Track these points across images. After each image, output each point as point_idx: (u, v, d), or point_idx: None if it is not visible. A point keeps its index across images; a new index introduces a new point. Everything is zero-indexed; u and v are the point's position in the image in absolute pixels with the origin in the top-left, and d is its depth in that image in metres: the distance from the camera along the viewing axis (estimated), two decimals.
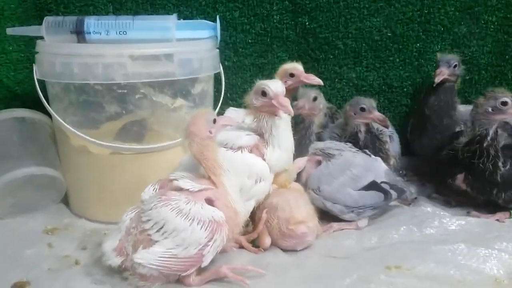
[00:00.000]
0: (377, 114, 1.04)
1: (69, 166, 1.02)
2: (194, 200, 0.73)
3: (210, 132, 0.77)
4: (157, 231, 0.72)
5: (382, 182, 0.94)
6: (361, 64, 1.24)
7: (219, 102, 1.09)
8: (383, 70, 1.24)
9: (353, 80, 1.25)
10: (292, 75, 1.04)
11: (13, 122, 1.05)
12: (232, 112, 1.12)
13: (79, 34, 1.00)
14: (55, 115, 0.96)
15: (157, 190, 0.79)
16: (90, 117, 0.97)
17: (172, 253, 0.71)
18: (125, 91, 0.94)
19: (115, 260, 0.74)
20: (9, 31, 1.04)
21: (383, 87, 1.25)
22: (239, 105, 1.16)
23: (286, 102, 0.83)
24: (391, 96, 1.26)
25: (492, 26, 1.19)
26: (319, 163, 0.97)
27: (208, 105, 1.08)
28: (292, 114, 0.85)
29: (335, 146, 0.99)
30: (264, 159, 0.87)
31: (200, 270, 0.75)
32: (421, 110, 1.15)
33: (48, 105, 0.97)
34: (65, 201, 1.07)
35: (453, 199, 1.04)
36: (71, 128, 0.94)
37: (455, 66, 1.09)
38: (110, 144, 0.95)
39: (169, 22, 1.02)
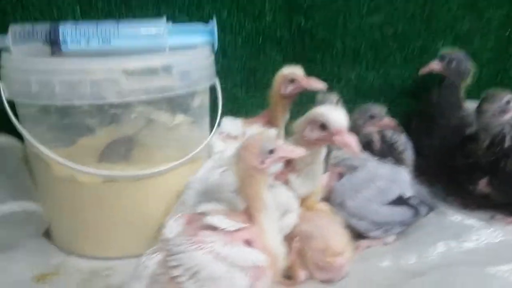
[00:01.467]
0: (388, 120, 0.98)
1: (51, 197, 0.87)
2: (232, 242, 0.62)
3: (263, 163, 0.65)
4: (190, 278, 0.60)
5: (410, 197, 0.88)
6: (361, 64, 1.17)
7: (216, 113, 0.97)
8: (383, 70, 1.18)
9: (353, 81, 1.18)
10: (292, 80, 0.96)
11: None
12: (228, 124, 1.02)
13: (54, 44, 0.85)
14: (36, 143, 0.80)
15: (183, 226, 0.67)
16: (75, 142, 0.83)
17: None
18: (119, 111, 0.81)
19: None
20: None
21: (384, 87, 1.19)
22: (229, 112, 1.06)
23: (353, 141, 0.70)
24: (392, 96, 1.20)
25: (495, 23, 1.16)
26: (340, 175, 0.89)
27: (205, 117, 0.97)
28: (359, 156, 0.74)
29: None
30: (289, 187, 0.77)
31: None
32: (426, 110, 1.11)
33: (25, 131, 0.81)
34: (46, 234, 0.92)
35: (472, 201, 1.00)
36: (58, 158, 0.79)
37: (450, 61, 1.05)
38: (106, 173, 0.81)
39: (160, 27, 0.89)
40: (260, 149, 0.66)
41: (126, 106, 0.80)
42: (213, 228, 0.64)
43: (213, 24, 0.92)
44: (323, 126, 0.72)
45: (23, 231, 0.88)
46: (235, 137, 0.99)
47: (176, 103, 0.86)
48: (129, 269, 0.76)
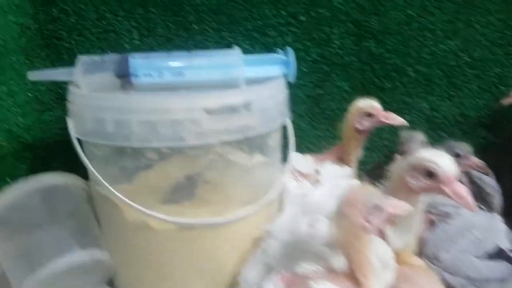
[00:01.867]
0: (475, 160, 0.90)
1: (118, 242, 0.81)
2: None
3: (368, 222, 0.59)
4: None
5: (508, 249, 0.80)
6: (434, 93, 1.10)
7: (285, 150, 0.91)
8: (458, 99, 1.10)
9: (425, 111, 1.11)
10: (369, 114, 0.89)
11: (43, 194, 0.81)
12: (299, 161, 0.94)
13: (123, 77, 0.79)
14: (108, 185, 0.74)
15: None
16: (150, 185, 0.77)
17: None
18: (198, 152, 0.75)
19: None
20: (32, 75, 0.81)
21: (458, 117, 1.12)
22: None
23: (465, 192, 0.62)
24: (467, 127, 1.12)
25: None
26: (432, 223, 0.82)
27: (278, 155, 0.90)
28: (474, 210, 0.65)
29: (449, 202, 0.82)
30: (385, 240, 0.70)
31: None
32: (507, 143, 1.03)
33: (96, 173, 0.75)
34: (109, 283, 0.85)
35: None
36: (133, 204, 0.73)
37: None
38: (183, 220, 0.75)
39: (235, 59, 0.83)
40: (366, 206, 0.59)
41: (206, 148, 0.74)
42: None
43: (291, 54, 0.85)
44: (430, 174, 0.65)
45: (88, 280, 0.82)
46: (306, 175, 0.92)
47: (254, 142, 0.80)
48: None
